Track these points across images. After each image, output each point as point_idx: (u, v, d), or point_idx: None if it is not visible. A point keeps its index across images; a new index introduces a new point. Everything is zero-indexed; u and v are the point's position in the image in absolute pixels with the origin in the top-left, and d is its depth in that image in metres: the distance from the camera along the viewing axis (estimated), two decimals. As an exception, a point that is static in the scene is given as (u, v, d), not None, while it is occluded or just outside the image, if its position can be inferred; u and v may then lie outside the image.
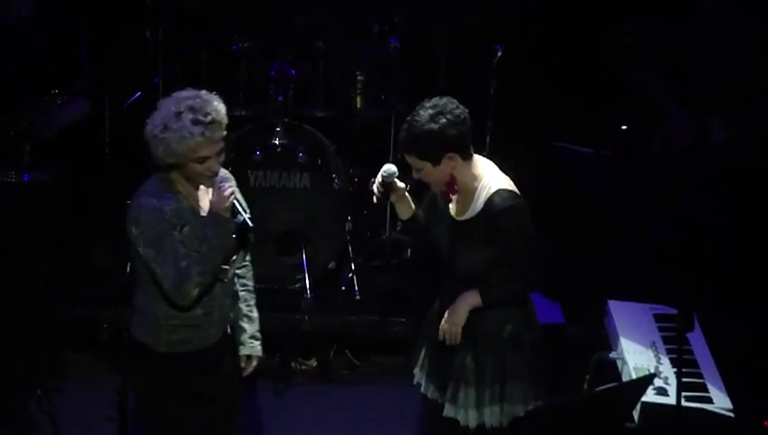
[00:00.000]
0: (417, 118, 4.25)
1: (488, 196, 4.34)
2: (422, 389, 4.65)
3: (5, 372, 5.56)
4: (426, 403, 4.66)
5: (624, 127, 6.38)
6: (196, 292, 4.15)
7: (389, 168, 4.43)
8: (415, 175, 4.36)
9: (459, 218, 4.42)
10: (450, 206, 4.46)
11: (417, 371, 4.69)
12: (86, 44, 5.49)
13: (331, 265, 6.55)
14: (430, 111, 4.24)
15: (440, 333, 4.47)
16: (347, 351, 6.36)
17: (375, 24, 6.87)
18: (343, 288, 6.49)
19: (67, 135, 5.43)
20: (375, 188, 4.45)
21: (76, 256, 6.59)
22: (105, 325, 6.13)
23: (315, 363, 6.36)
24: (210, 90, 4.21)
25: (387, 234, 6.73)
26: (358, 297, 6.41)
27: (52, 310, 5.97)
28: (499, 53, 6.62)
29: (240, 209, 4.14)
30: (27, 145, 5.27)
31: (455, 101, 4.31)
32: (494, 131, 6.62)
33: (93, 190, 6.88)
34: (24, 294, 5.53)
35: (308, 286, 6.32)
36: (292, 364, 6.31)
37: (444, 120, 4.23)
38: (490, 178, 4.39)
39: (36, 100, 5.26)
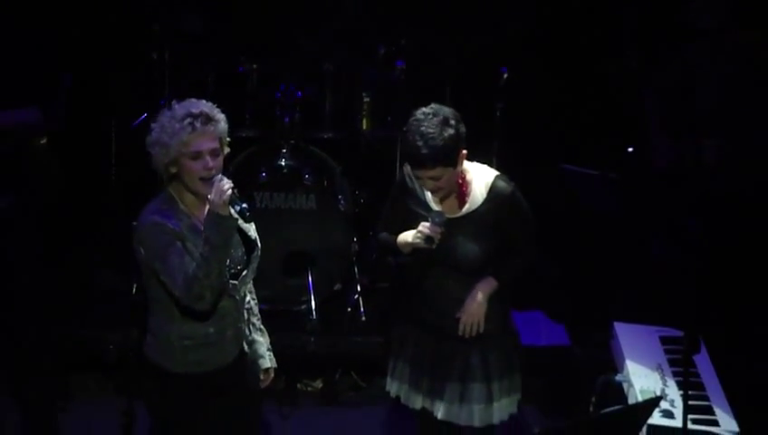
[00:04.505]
0: (429, 130, 4.28)
1: (489, 184, 4.46)
2: (404, 400, 4.68)
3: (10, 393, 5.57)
4: (415, 415, 4.71)
5: (630, 149, 6.40)
6: (209, 295, 4.14)
7: (441, 212, 4.44)
8: (432, 186, 4.39)
9: (455, 215, 4.47)
10: (435, 207, 4.48)
11: (394, 384, 4.70)
12: (63, 61, 5.46)
13: (337, 286, 6.55)
14: (435, 120, 4.31)
15: (461, 327, 4.50)
16: (352, 372, 6.34)
17: (381, 46, 6.90)
18: (349, 309, 6.49)
19: (36, 160, 5.40)
20: (434, 235, 4.39)
21: (82, 277, 6.61)
22: (111, 347, 6.13)
23: (321, 385, 6.35)
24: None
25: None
26: (363, 319, 6.41)
27: (58, 331, 5.97)
28: (505, 76, 6.64)
29: (238, 200, 4.16)
30: None
31: (432, 105, 4.38)
32: (499, 153, 6.63)
33: (100, 211, 6.90)
34: (15, 317, 5.51)
35: (314, 308, 6.32)
36: (298, 386, 6.30)
37: (453, 122, 4.32)
38: (475, 168, 4.51)
39: None
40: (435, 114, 4.33)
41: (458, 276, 4.51)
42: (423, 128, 4.30)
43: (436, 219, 4.40)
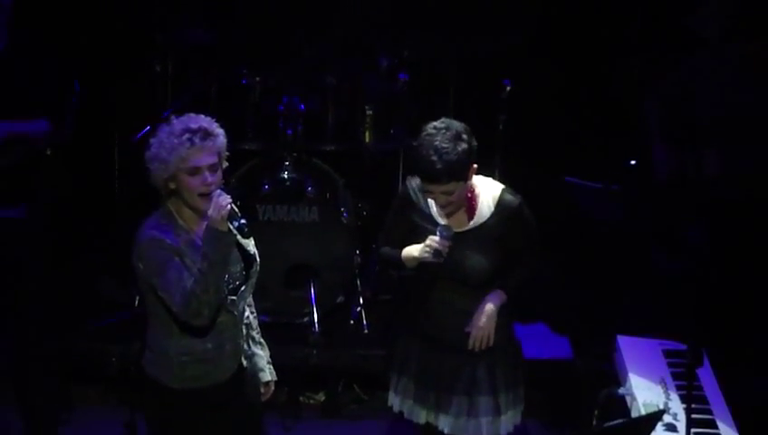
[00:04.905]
0: (444, 145, 4.25)
1: (496, 197, 4.46)
2: (407, 415, 4.67)
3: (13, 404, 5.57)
4: (419, 429, 4.70)
5: (633, 162, 6.40)
6: (206, 311, 4.12)
7: (448, 226, 4.41)
8: (443, 201, 4.37)
9: (463, 229, 4.46)
10: (440, 221, 4.46)
11: (396, 399, 4.69)
12: (72, 74, 5.46)
13: (340, 298, 6.55)
14: (449, 135, 4.28)
15: (471, 341, 4.49)
16: (355, 385, 6.34)
17: (384, 58, 6.90)
18: (351, 322, 6.48)
19: (51, 170, 5.41)
20: (442, 249, 4.37)
21: (85, 288, 6.61)
22: (113, 359, 6.13)
23: (323, 398, 6.34)
24: (219, 123, 4.25)
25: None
26: (366, 331, 6.40)
27: (61, 342, 5.97)
28: (508, 88, 6.65)
29: (237, 216, 4.14)
30: None
31: (443, 119, 4.36)
32: (502, 166, 6.63)
33: (102, 223, 6.90)
34: (20, 327, 5.51)
35: (316, 320, 6.31)
36: (300, 398, 6.30)
37: (465, 136, 4.30)
38: (482, 181, 4.50)
39: None
40: (447, 128, 4.30)
41: (463, 290, 4.50)
42: (437, 143, 4.26)
43: (444, 233, 4.37)
